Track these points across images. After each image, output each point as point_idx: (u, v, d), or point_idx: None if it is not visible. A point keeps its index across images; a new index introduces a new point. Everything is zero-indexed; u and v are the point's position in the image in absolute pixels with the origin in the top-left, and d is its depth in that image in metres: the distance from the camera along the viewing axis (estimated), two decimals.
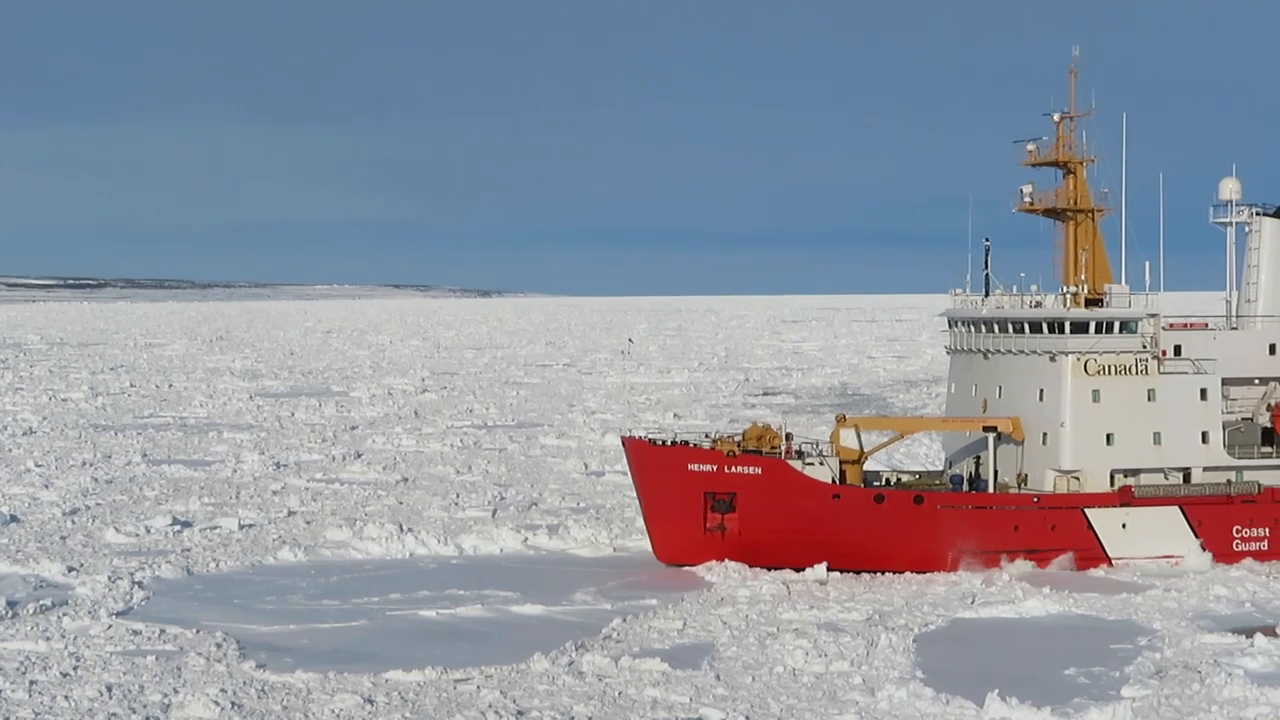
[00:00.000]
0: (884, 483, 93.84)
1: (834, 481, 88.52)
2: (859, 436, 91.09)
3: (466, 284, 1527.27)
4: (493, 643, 70.55)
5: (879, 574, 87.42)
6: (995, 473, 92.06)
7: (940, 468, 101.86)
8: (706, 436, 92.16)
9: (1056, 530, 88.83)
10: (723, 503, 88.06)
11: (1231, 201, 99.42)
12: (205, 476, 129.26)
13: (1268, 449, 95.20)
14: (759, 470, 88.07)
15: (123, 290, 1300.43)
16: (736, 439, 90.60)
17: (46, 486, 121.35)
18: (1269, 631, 72.27)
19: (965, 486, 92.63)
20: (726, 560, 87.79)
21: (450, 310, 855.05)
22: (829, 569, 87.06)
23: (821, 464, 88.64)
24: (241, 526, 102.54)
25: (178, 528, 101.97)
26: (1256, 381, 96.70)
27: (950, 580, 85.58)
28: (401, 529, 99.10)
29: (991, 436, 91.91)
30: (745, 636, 71.75)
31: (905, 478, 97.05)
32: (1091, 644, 71.29)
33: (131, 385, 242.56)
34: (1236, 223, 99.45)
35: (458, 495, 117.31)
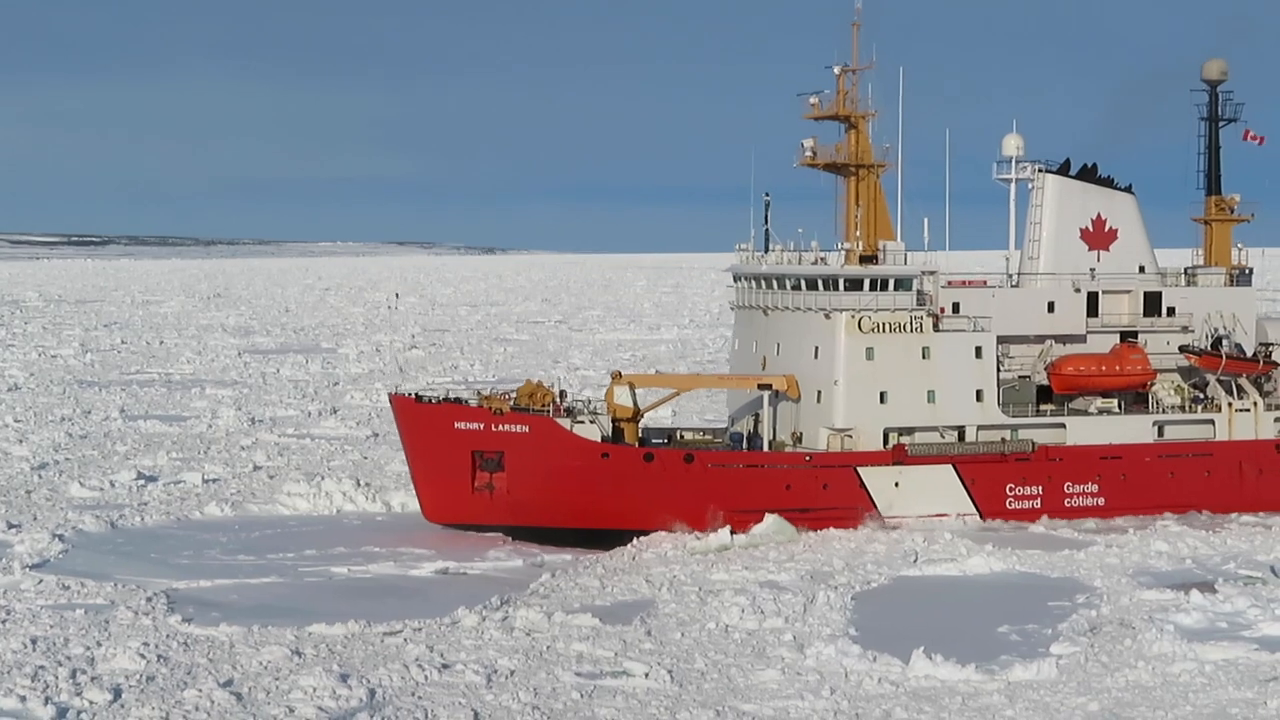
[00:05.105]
0: (664, 441, 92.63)
1: (604, 440, 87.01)
2: (633, 394, 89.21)
3: (470, 241, 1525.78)
4: (421, 598, 70.92)
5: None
6: (772, 431, 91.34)
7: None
8: (478, 394, 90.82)
9: (829, 489, 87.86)
10: (491, 461, 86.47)
11: (1014, 158, 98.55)
12: (179, 432, 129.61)
13: (1045, 407, 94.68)
14: (526, 429, 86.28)
15: (127, 247, 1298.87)
16: (509, 396, 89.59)
17: (20, 441, 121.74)
18: (1206, 588, 72.61)
19: (744, 445, 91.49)
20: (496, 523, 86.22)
21: (452, 268, 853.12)
22: (596, 529, 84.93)
23: (592, 422, 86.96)
24: (205, 481, 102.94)
25: (142, 482, 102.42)
26: (1034, 339, 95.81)
27: (893, 538, 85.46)
28: (360, 483, 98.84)
29: (767, 394, 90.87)
30: (685, 594, 72.00)
31: (689, 435, 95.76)
32: (1029, 601, 71.48)
33: (123, 342, 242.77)
34: (1019, 180, 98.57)
35: None
